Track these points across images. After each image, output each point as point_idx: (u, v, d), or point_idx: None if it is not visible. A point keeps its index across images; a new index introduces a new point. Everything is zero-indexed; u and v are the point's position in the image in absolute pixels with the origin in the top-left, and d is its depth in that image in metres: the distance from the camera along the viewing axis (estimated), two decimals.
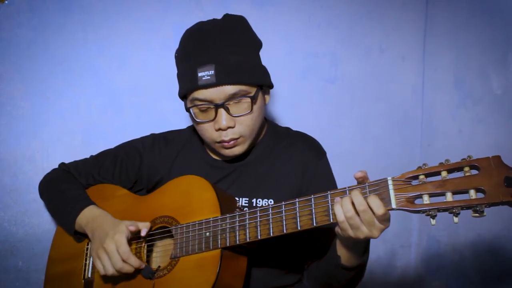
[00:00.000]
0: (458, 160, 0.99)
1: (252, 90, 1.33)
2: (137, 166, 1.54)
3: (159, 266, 1.30)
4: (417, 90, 2.40)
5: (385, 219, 1.04)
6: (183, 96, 1.37)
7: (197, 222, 1.27)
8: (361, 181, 1.08)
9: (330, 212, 1.09)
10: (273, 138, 1.51)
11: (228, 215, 1.23)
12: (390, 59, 2.34)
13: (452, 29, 2.23)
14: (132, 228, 1.29)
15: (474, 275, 2.09)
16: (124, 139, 1.61)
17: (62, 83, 1.88)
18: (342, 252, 1.21)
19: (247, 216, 1.20)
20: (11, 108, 1.83)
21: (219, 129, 1.32)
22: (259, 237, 1.17)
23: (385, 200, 1.03)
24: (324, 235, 1.33)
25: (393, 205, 1.02)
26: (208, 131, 1.35)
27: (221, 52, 1.30)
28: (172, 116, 1.96)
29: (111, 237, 1.27)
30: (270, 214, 1.17)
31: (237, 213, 1.22)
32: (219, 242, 1.22)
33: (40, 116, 1.86)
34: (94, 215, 1.40)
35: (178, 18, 1.99)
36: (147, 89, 1.97)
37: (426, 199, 0.99)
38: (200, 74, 1.28)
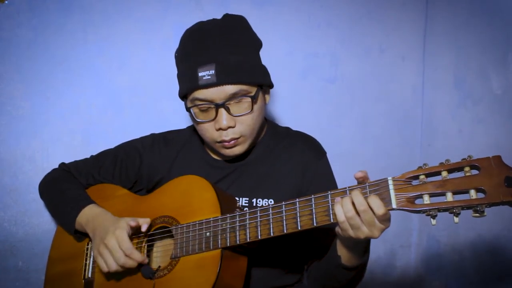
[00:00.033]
0: (458, 160, 0.99)
1: (253, 90, 1.33)
2: (137, 166, 1.54)
3: (159, 266, 1.30)
4: (417, 90, 2.40)
5: (385, 219, 1.04)
6: (184, 96, 1.37)
7: (197, 222, 1.27)
8: (362, 181, 1.08)
9: (331, 212, 1.09)
10: (273, 138, 1.51)
11: (228, 215, 1.23)
12: (390, 59, 2.34)
13: (452, 29, 2.23)
14: (133, 223, 1.29)
15: (474, 275, 2.09)
16: (124, 139, 1.61)
17: (62, 83, 1.88)
18: (342, 252, 1.21)
19: (248, 216, 1.20)
20: (11, 108, 1.83)
21: (220, 129, 1.32)
22: (259, 237, 1.17)
23: (386, 200, 1.03)
24: (324, 235, 1.33)
25: (394, 205, 1.02)
26: (209, 131, 1.35)
27: (221, 52, 1.30)
28: (172, 116, 1.96)
29: (111, 233, 1.27)
30: (271, 214, 1.17)
31: (238, 213, 1.22)
32: (220, 242, 1.22)
33: (40, 116, 1.86)
34: (94, 213, 1.40)
35: (178, 18, 1.99)
36: (147, 89, 1.97)
37: (426, 199, 0.99)
38: (200, 74, 1.28)
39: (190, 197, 1.32)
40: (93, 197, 1.48)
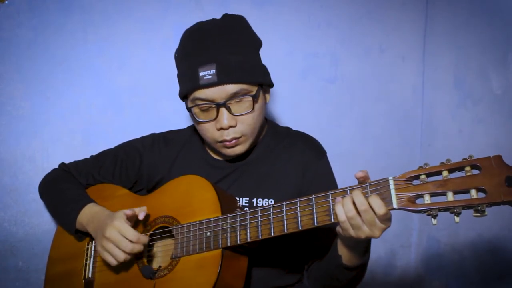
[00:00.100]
0: (459, 160, 0.99)
1: (253, 89, 1.33)
2: (137, 166, 1.53)
3: (159, 266, 1.30)
4: (417, 90, 2.40)
5: (386, 219, 1.04)
6: (184, 96, 1.37)
7: (197, 222, 1.27)
8: (362, 181, 1.08)
9: (331, 212, 1.09)
10: (273, 138, 1.51)
11: (229, 215, 1.23)
12: (390, 59, 2.34)
13: (452, 29, 2.23)
14: (128, 212, 1.29)
15: (474, 275, 2.09)
16: (124, 139, 1.61)
17: (62, 83, 1.88)
18: (343, 252, 1.21)
19: (248, 216, 1.20)
20: (11, 108, 1.83)
21: (221, 129, 1.32)
22: (260, 237, 1.17)
23: (386, 200, 1.03)
24: (325, 235, 1.33)
25: (394, 205, 1.02)
26: (210, 130, 1.35)
27: (220, 52, 1.30)
28: (172, 116, 1.96)
29: (110, 226, 1.27)
30: (271, 214, 1.17)
31: (238, 213, 1.22)
32: (220, 242, 1.22)
33: (40, 116, 1.85)
34: (93, 212, 1.40)
35: (178, 18, 1.99)
36: (147, 89, 1.97)
37: (427, 199, 0.99)
38: (201, 74, 1.28)
39: (191, 197, 1.32)
40: (93, 197, 1.48)
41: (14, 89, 1.83)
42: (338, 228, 1.13)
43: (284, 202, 1.16)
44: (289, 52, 2.18)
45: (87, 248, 1.46)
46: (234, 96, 1.30)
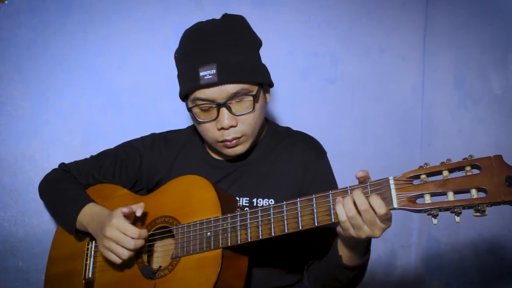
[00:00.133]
0: (459, 159, 0.99)
1: (254, 89, 1.33)
2: (137, 166, 1.53)
3: (160, 266, 1.30)
4: (417, 90, 2.40)
5: (386, 219, 1.04)
6: (184, 96, 1.37)
7: (198, 222, 1.27)
8: (363, 181, 1.08)
9: (332, 212, 1.09)
10: (273, 138, 1.51)
11: (229, 215, 1.23)
12: (390, 59, 2.34)
13: (452, 29, 2.23)
14: (125, 210, 1.28)
15: (474, 274, 2.09)
16: (124, 139, 1.61)
17: (62, 83, 1.88)
18: (343, 251, 1.21)
19: (249, 216, 1.20)
20: (11, 108, 1.83)
21: (222, 128, 1.32)
22: (260, 237, 1.17)
23: (387, 200, 1.03)
24: (325, 234, 1.33)
25: (395, 205, 1.02)
26: (210, 130, 1.35)
27: (220, 52, 1.30)
28: (172, 116, 1.96)
29: (108, 225, 1.27)
30: (272, 214, 1.17)
31: (238, 213, 1.22)
32: (220, 242, 1.22)
33: (40, 116, 1.86)
34: (93, 212, 1.40)
35: (178, 18, 1.99)
36: (147, 89, 1.97)
37: (427, 199, 1.00)
38: (202, 74, 1.28)
39: (191, 197, 1.32)
40: (93, 197, 1.48)
41: (14, 89, 1.83)
42: (338, 228, 1.13)
43: (284, 202, 1.16)
44: (289, 52, 2.18)
45: (87, 248, 1.46)
46: (234, 96, 1.30)
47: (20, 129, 1.83)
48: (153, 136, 1.59)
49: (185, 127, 1.63)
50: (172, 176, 1.42)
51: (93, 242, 1.46)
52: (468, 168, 0.97)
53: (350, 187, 1.09)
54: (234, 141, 1.34)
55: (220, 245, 1.22)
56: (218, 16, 1.41)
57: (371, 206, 1.03)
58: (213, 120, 1.33)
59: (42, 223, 1.86)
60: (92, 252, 1.45)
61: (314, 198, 1.12)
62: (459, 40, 2.19)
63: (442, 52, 2.29)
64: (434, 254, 2.31)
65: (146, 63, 1.97)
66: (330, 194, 1.10)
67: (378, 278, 2.35)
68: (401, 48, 2.35)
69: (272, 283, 1.44)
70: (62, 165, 1.62)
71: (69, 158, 1.64)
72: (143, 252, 1.35)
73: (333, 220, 1.09)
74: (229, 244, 1.21)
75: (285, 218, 1.15)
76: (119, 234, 1.25)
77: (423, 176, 1.01)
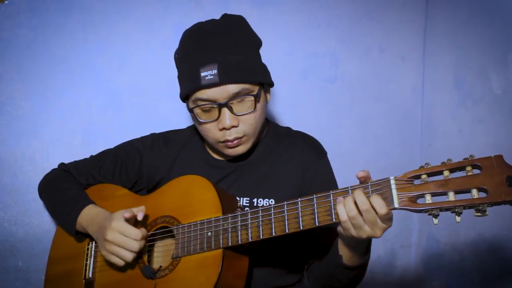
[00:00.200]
0: (460, 159, 0.99)
1: (255, 89, 1.33)
2: (137, 166, 1.53)
3: (160, 266, 1.30)
4: (417, 90, 2.40)
5: (387, 219, 1.04)
6: (185, 97, 1.37)
7: (198, 222, 1.26)
8: (364, 181, 1.08)
9: (333, 212, 1.09)
10: (274, 138, 1.51)
11: (230, 215, 1.22)
12: (390, 59, 2.34)
13: (452, 29, 2.23)
14: (127, 215, 1.28)
15: (474, 274, 2.09)
16: (124, 139, 1.61)
17: (62, 83, 1.87)
18: (344, 251, 1.21)
19: (249, 216, 1.20)
20: (11, 108, 1.83)
21: (223, 129, 1.32)
22: (261, 237, 1.17)
23: (388, 200, 1.03)
24: (325, 234, 1.33)
25: (396, 205, 1.02)
26: (212, 131, 1.35)
27: (220, 52, 1.30)
28: (172, 116, 1.96)
29: (109, 228, 1.26)
30: (272, 214, 1.17)
31: (239, 213, 1.22)
32: (221, 242, 1.22)
33: (40, 116, 1.85)
34: (93, 214, 1.40)
35: (178, 18, 1.99)
36: (147, 89, 1.97)
37: (428, 199, 1.00)
38: (203, 74, 1.28)
39: (191, 197, 1.32)
40: (93, 197, 1.48)
41: (14, 89, 1.83)
42: (339, 228, 1.13)
43: (285, 202, 1.16)
44: (289, 52, 2.18)
45: (87, 248, 1.46)
46: (236, 96, 1.30)
47: (20, 129, 1.83)
48: (153, 136, 1.59)
49: (185, 127, 1.63)
50: (172, 176, 1.42)
51: (93, 242, 1.45)
52: (468, 168, 0.97)
53: (351, 187, 1.09)
54: (236, 141, 1.34)
55: (221, 245, 1.21)
56: (218, 16, 1.41)
57: (372, 206, 1.03)
58: (215, 121, 1.33)
59: (42, 223, 1.86)
60: (92, 252, 1.45)
61: (315, 198, 1.12)
62: (459, 40, 2.19)
63: (442, 52, 2.29)
64: (434, 254, 2.31)
65: (146, 63, 1.96)
66: (331, 194, 1.11)
67: (378, 278, 2.35)
68: (401, 48, 2.36)
69: (273, 283, 1.44)
70: (61, 165, 1.62)
71: (69, 158, 1.63)
72: (143, 252, 1.35)
73: (334, 220, 1.09)
74: (230, 244, 1.21)
75: (286, 218, 1.15)
76: (121, 237, 1.25)
77: (424, 176, 1.01)
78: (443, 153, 2.24)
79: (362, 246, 1.19)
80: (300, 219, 1.13)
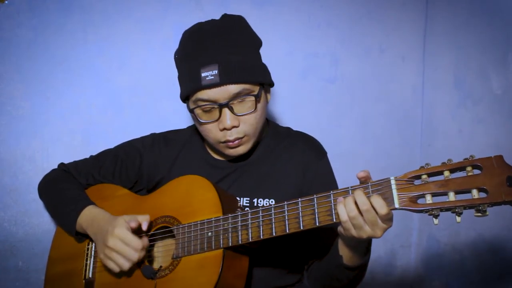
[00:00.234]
0: (460, 160, 0.99)
1: (256, 89, 1.33)
2: (137, 166, 1.53)
3: (160, 266, 1.30)
4: (417, 90, 2.40)
5: (388, 219, 1.04)
6: (186, 97, 1.36)
7: (199, 222, 1.26)
8: (364, 181, 1.08)
9: (333, 212, 1.09)
10: (274, 138, 1.51)
11: (230, 215, 1.22)
12: (390, 59, 2.34)
13: (452, 29, 2.24)
14: (133, 225, 1.27)
15: (474, 274, 2.09)
16: (124, 139, 1.61)
17: (62, 83, 1.87)
18: (344, 251, 1.21)
19: (250, 216, 1.20)
20: (11, 108, 1.83)
21: (224, 129, 1.32)
22: (261, 237, 1.17)
23: (388, 200, 1.03)
24: (326, 234, 1.33)
25: (396, 205, 1.02)
26: (212, 131, 1.35)
27: (220, 52, 1.30)
28: (172, 116, 1.96)
29: (111, 234, 1.26)
30: (273, 214, 1.17)
31: (239, 213, 1.22)
32: (221, 242, 1.22)
33: (40, 116, 1.85)
34: (93, 215, 1.40)
35: (178, 18, 1.99)
36: (147, 89, 1.97)
37: (429, 199, 1.00)
38: (203, 74, 1.28)
39: (191, 197, 1.32)
40: (93, 197, 1.48)
41: (14, 89, 1.82)
42: (339, 228, 1.13)
43: (285, 202, 1.16)
44: (289, 52, 2.18)
45: (87, 248, 1.46)
46: (236, 96, 1.30)
47: (20, 129, 1.83)
48: (153, 136, 1.58)
49: (185, 127, 1.63)
50: (172, 176, 1.42)
51: (93, 242, 1.45)
52: (469, 168, 0.97)
53: (351, 187, 1.09)
54: (237, 141, 1.34)
55: (221, 245, 1.21)
56: (218, 16, 1.41)
57: (372, 206, 1.03)
58: (215, 121, 1.32)
59: (42, 223, 1.86)
60: (92, 252, 1.45)
61: (315, 198, 1.12)
62: (459, 40, 2.19)
63: (442, 52, 2.29)
64: (434, 254, 2.31)
65: (146, 63, 1.96)
66: (331, 194, 1.11)
67: (378, 278, 2.35)
68: (401, 48, 2.36)
69: (273, 283, 1.44)
70: (61, 165, 1.62)
71: (69, 158, 1.63)
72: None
73: (334, 220, 1.09)
74: (230, 244, 1.21)
75: (287, 218, 1.15)
76: (122, 245, 1.25)
77: (424, 176, 1.01)
78: (443, 153, 2.25)
79: (363, 246, 1.19)
80: (301, 219, 1.13)
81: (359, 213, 1.04)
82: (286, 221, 1.15)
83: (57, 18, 1.86)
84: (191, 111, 1.35)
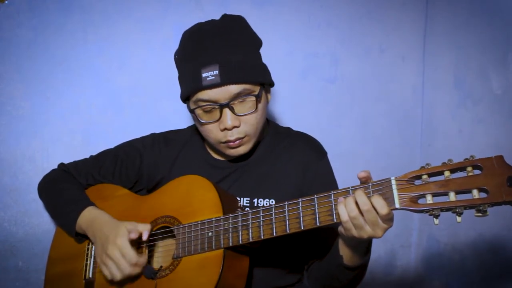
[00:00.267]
0: (460, 160, 0.99)
1: (256, 89, 1.33)
2: (137, 166, 1.53)
3: (161, 266, 1.30)
4: (417, 90, 2.40)
5: (388, 219, 1.04)
6: (186, 98, 1.36)
7: (199, 222, 1.26)
8: (365, 181, 1.08)
9: (334, 212, 1.09)
10: (274, 138, 1.51)
11: (230, 215, 1.22)
12: (390, 59, 2.34)
13: (452, 29, 2.24)
14: (133, 236, 1.27)
15: (474, 274, 2.09)
16: (124, 139, 1.61)
17: (62, 83, 1.87)
18: (344, 251, 1.21)
19: (250, 216, 1.20)
20: (11, 108, 1.83)
21: (225, 129, 1.32)
22: (262, 237, 1.17)
23: (389, 200, 1.03)
24: (326, 234, 1.33)
25: (397, 205, 1.02)
26: (213, 131, 1.35)
27: (221, 52, 1.30)
28: (172, 116, 1.96)
29: (112, 242, 1.26)
30: (273, 214, 1.17)
31: (240, 213, 1.22)
32: (222, 242, 1.21)
33: (40, 116, 1.85)
34: (92, 216, 1.39)
35: (178, 18, 1.99)
36: (147, 89, 1.97)
37: (429, 199, 1.00)
38: (204, 75, 1.27)
39: (192, 197, 1.32)
40: (93, 197, 1.48)
41: (14, 89, 1.82)
42: (340, 228, 1.13)
43: (286, 202, 1.16)
44: (289, 52, 2.18)
45: (87, 248, 1.46)
46: (237, 96, 1.30)
47: (20, 129, 1.83)
48: (153, 136, 1.58)
49: (185, 127, 1.63)
50: (172, 176, 1.42)
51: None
52: (469, 168, 0.97)
53: (352, 187, 1.09)
54: (237, 141, 1.34)
55: (222, 245, 1.21)
56: (218, 16, 1.41)
57: (373, 206, 1.03)
58: (216, 121, 1.32)
59: (42, 223, 1.86)
60: (92, 253, 1.44)
61: (316, 198, 1.12)
62: (459, 40, 2.19)
63: (442, 52, 2.29)
64: (434, 254, 2.31)
65: (146, 63, 1.96)
66: (332, 194, 1.11)
67: (378, 278, 2.35)
68: (401, 48, 2.36)
69: (273, 283, 1.44)
70: (61, 165, 1.61)
71: (69, 158, 1.63)
72: (144, 252, 1.35)
73: (335, 220, 1.09)
74: (231, 244, 1.21)
75: (287, 218, 1.15)
76: (119, 256, 1.25)
77: (424, 177, 1.01)
78: (443, 153, 2.25)
79: (363, 246, 1.19)
80: (301, 219, 1.13)
81: (360, 213, 1.05)
82: (287, 221, 1.15)
83: (57, 18, 1.86)
84: (192, 111, 1.35)
